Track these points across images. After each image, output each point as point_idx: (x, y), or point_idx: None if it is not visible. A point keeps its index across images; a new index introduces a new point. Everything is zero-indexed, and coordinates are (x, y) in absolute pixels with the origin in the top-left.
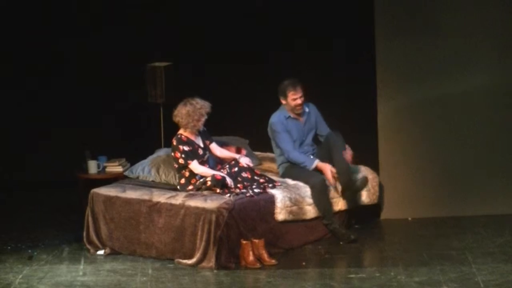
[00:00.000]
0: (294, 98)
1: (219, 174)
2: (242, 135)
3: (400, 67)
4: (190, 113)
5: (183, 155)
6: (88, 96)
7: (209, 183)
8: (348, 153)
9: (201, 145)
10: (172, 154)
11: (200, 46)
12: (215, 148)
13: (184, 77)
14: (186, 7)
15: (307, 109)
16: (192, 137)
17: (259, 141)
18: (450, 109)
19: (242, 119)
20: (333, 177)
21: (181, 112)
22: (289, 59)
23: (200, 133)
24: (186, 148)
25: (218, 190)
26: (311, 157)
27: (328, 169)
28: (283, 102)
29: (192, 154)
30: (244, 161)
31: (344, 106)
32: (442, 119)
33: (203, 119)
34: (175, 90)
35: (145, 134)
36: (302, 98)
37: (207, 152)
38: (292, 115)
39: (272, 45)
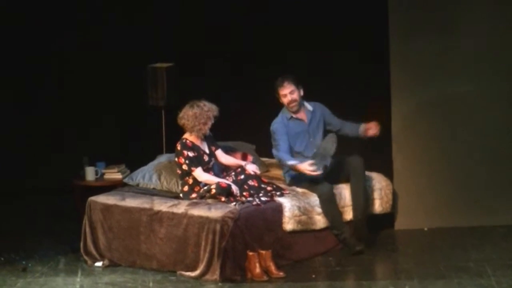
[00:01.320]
0: (283, 94)
1: (224, 181)
2: (249, 140)
3: (414, 70)
4: (197, 116)
5: (187, 161)
6: (86, 99)
7: (213, 191)
8: (373, 126)
9: (207, 151)
10: (176, 159)
11: (204, 46)
12: (220, 155)
13: (187, 79)
14: (187, 7)
15: (311, 108)
16: (198, 142)
17: (266, 146)
18: (468, 114)
19: (248, 123)
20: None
21: (187, 114)
22: (298, 61)
23: (206, 138)
24: (190, 154)
25: (223, 199)
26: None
27: (305, 168)
28: (280, 101)
29: (196, 161)
30: (251, 168)
31: (357, 110)
32: (460, 124)
33: (209, 123)
34: (177, 92)
35: (145, 139)
36: (293, 95)
37: (213, 159)
38: (294, 115)
39: (280, 47)
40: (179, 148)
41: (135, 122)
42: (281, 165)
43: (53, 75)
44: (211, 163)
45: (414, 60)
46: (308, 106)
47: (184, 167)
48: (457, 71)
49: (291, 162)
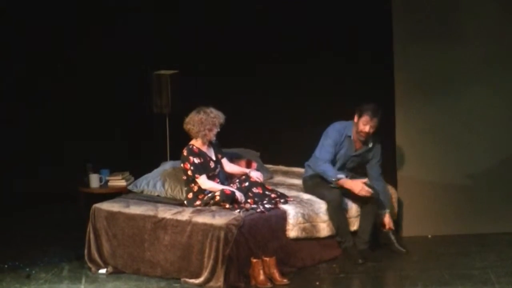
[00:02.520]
0: (364, 123)
1: (228, 188)
2: (253, 147)
3: (419, 77)
4: (203, 121)
5: (192, 168)
6: (89, 106)
7: (217, 197)
8: (387, 220)
9: (213, 157)
10: (182, 165)
11: (209, 54)
12: (225, 163)
13: (192, 86)
14: (191, 14)
15: (370, 145)
16: (204, 148)
17: (271, 153)
18: (473, 121)
19: (253, 130)
20: (364, 186)
21: (193, 119)
22: (301, 70)
23: (212, 146)
24: (196, 161)
25: (227, 205)
26: (340, 173)
27: (355, 187)
28: (355, 120)
29: (202, 168)
30: (255, 175)
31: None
32: (465, 132)
33: (215, 130)
34: (181, 99)
35: (150, 146)
36: (372, 130)
37: (219, 166)
38: (353, 137)
39: (285, 56)
40: (185, 154)
41: (139, 129)
42: (319, 172)
43: (55, 81)
44: (217, 170)
45: (419, 68)
46: (370, 142)
47: (189, 173)
48: (464, 79)
49: (339, 175)
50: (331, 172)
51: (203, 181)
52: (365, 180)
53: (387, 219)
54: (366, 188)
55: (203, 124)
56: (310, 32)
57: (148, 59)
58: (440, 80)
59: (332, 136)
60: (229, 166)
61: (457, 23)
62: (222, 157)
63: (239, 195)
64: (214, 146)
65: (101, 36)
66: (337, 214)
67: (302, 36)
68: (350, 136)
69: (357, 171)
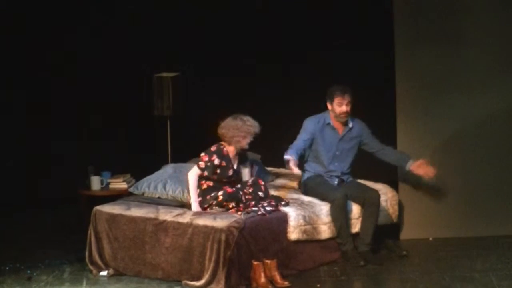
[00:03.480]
0: (339, 103)
1: (228, 188)
2: (254, 150)
3: (421, 80)
4: (238, 128)
5: (208, 164)
6: (90, 109)
7: (220, 197)
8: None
9: (235, 167)
10: (202, 154)
11: (210, 56)
12: (245, 174)
13: (193, 88)
14: (193, 16)
15: (350, 124)
16: (232, 155)
17: (272, 156)
18: (473, 124)
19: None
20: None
21: (229, 124)
22: (303, 73)
23: (240, 157)
24: (216, 162)
25: (231, 205)
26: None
27: (293, 168)
28: (329, 107)
29: (213, 168)
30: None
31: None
32: (465, 135)
33: (249, 138)
34: (183, 102)
35: (151, 148)
36: (349, 106)
37: (235, 176)
38: (333, 123)
39: (287, 57)
40: (213, 149)
41: (140, 131)
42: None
43: (57, 84)
44: (232, 180)
45: (420, 71)
46: (349, 122)
47: (201, 164)
48: (465, 82)
49: (286, 156)
50: (289, 151)
51: (193, 174)
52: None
53: (420, 165)
54: (291, 167)
55: (238, 130)
56: (310, 33)
57: (149, 60)
58: (441, 83)
59: (306, 126)
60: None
61: (458, 26)
62: (246, 167)
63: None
64: (242, 157)
65: (103, 37)
66: (340, 214)
67: (303, 37)
68: (329, 123)
69: (355, 171)
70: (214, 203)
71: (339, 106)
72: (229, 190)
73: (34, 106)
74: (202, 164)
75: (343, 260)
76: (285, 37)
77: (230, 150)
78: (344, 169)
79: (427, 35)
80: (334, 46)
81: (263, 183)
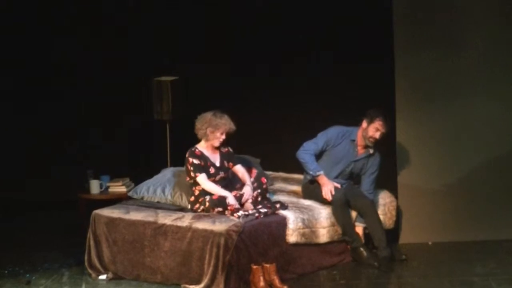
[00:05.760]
0: (376, 129)
1: (223, 193)
2: (253, 154)
3: (420, 84)
4: (208, 121)
5: (191, 168)
6: (90, 112)
7: (207, 204)
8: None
9: (217, 163)
10: (185, 166)
11: (209, 59)
12: (239, 170)
13: (193, 92)
14: (192, 19)
15: (371, 151)
16: (208, 153)
17: (271, 160)
18: (473, 128)
19: (253, 136)
20: (332, 190)
21: (202, 117)
22: (303, 73)
23: (222, 154)
24: (196, 161)
25: (215, 210)
26: (320, 170)
27: (328, 186)
28: (364, 125)
29: (202, 168)
30: (246, 194)
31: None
32: (465, 139)
33: (218, 135)
34: (182, 106)
35: (150, 152)
36: (382, 136)
37: (222, 173)
38: (357, 141)
39: (286, 59)
40: (187, 155)
41: (140, 135)
42: (300, 160)
43: (56, 87)
44: (218, 177)
45: (420, 73)
46: (371, 149)
47: (191, 174)
48: (465, 84)
49: (319, 172)
50: (313, 166)
51: (203, 180)
52: (338, 185)
53: (360, 231)
54: (332, 193)
55: (207, 123)
56: (310, 35)
57: (149, 64)
58: (441, 86)
59: (329, 135)
60: (241, 174)
61: (458, 28)
62: (235, 165)
63: (232, 200)
64: (224, 154)
65: (102, 41)
66: (342, 213)
67: (303, 39)
68: (354, 140)
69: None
70: (201, 208)
71: (375, 131)
72: (215, 196)
73: (33, 109)
74: (192, 170)
75: (354, 259)
76: (285, 38)
77: (203, 147)
78: (343, 184)
79: (427, 37)
80: (334, 49)
81: (265, 181)
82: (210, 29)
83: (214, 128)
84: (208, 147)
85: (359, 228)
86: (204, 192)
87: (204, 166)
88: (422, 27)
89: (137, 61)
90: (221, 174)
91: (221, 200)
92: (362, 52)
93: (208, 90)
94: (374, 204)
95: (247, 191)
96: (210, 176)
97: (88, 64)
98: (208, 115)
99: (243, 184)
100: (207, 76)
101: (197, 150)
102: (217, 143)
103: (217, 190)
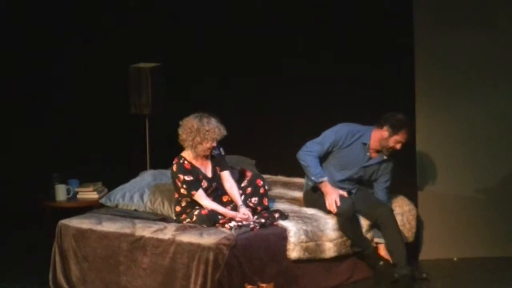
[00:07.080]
0: (399, 141)
1: (230, 214)
2: (248, 154)
3: (443, 74)
4: (193, 130)
5: (184, 185)
6: (56, 106)
7: (194, 217)
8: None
9: (209, 174)
10: (172, 181)
11: (198, 45)
12: (226, 179)
13: (177, 82)
14: (178, 4)
15: (385, 157)
16: (198, 163)
17: (267, 162)
18: (506, 124)
19: (249, 135)
20: (337, 200)
21: (186, 125)
22: (306, 72)
23: (211, 158)
24: (187, 178)
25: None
26: (325, 175)
27: (332, 196)
28: (385, 133)
29: (197, 183)
30: (243, 215)
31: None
32: (496, 137)
33: (207, 145)
34: (164, 98)
35: (126, 152)
36: (401, 147)
37: (215, 184)
38: (372, 147)
39: (288, 55)
40: (174, 169)
41: (114, 132)
42: (301, 163)
43: (22, 80)
44: (211, 189)
45: (442, 62)
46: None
47: (183, 191)
48: (494, 73)
49: (323, 179)
50: (316, 170)
51: (202, 199)
52: (344, 193)
53: (383, 251)
54: (338, 204)
55: (193, 134)
56: (311, 34)
57: (126, 50)
58: (467, 75)
59: (338, 134)
60: (229, 184)
61: (488, 8)
62: (222, 170)
63: (231, 213)
64: (215, 160)
65: (74, 24)
66: (351, 226)
67: (304, 37)
68: (365, 144)
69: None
70: (188, 220)
71: (396, 142)
72: (204, 212)
73: None
74: (185, 188)
75: (358, 283)
76: (285, 38)
77: (191, 157)
78: (353, 189)
79: (451, 18)
80: (337, 45)
81: (261, 183)
82: (210, 29)
83: (202, 139)
84: (197, 157)
85: (381, 247)
86: (192, 204)
87: (197, 179)
88: (447, 5)
89: (110, 45)
90: (214, 185)
91: (212, 216)
92: (375, 42)
93: (196, 81)
94: (393, 213)
95: (245, 214)
96: (204, 190)
97: (59, 51)
98: (193, 122)
99: (231, 201)
100: (195, 63)
101: (185, 162)
102: (207, 153)
103: (214, 207)
